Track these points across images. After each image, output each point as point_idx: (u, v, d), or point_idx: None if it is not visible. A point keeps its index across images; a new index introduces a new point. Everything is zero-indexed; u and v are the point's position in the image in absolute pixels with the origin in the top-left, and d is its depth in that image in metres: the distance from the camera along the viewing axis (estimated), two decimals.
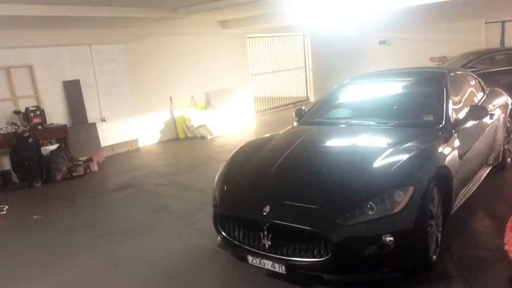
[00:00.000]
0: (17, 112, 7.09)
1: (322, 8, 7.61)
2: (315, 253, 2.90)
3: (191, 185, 6.21)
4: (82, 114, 8.11)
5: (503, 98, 5.40)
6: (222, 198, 3.50)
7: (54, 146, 7.14)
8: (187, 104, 10.03)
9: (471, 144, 4.08)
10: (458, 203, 3.77)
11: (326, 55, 12.71)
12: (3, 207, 5.71)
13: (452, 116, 3.97)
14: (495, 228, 3.79)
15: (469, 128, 4.11)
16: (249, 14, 9.07)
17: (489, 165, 4.81)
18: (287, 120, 5.66)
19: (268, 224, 3.01)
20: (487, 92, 5.27)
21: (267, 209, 3.06)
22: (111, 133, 8.57)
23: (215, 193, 3.61)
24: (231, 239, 3.31)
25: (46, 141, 7.20)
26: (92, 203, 5.87)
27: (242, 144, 4.34)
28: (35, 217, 5.29)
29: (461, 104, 4.37)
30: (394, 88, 4.81)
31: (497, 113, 4.94)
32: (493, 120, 4.70)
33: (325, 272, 2.96)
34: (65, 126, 7.54)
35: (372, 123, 4.15)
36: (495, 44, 10.54)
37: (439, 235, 3.33)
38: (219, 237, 3.47)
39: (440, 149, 3.51)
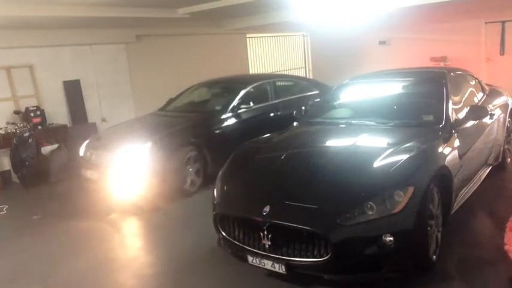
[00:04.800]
0: (17, 112, 7.09)
1: (322, 7, 7.62)
2: (315, 253, 2.90)
3: None
4: (82, 114, 8.10)
5: (503, 98, 5.40)
6: (222, 198, 3.50)
7: (54, 146, 7.14)
8: None
9: (471, 144, 4.08)
10: (458, 203, 3.77)
11: (326, 55, 12.68)
12: (3, 207, 5.71)
13: (452, 116, 3.97)
14: (495, 228, 3.78)
15: (469, 128, 4.11)
16: (249, 14, 9.06)
17: (489, 165, 4.80)
18: None
19: (268, 224, 3.01)
20: (487, 92, 5.27)
21: (267, 209, 3.06)
22: None
23: (215, 193, 3.61)
24: (231, 239, 3.31)
25: (46, 141, 7.19)
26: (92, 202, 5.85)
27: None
28: (35, 217, 5.28)
29: (461, 104, 4.37)
30: (394, 88, 4.82)
31: (497, 113, 4.93)
32: (493, 120, 4.70)
33: (325, 272, 2.96)
34: (65, 126, 7.53)
35: (372, 123, 4.15)
36: (495, 44, 10.53)
37: (439, 235, 3.33)
38: (219, 237, 3.47)
39: (440, 149, 3.51)
